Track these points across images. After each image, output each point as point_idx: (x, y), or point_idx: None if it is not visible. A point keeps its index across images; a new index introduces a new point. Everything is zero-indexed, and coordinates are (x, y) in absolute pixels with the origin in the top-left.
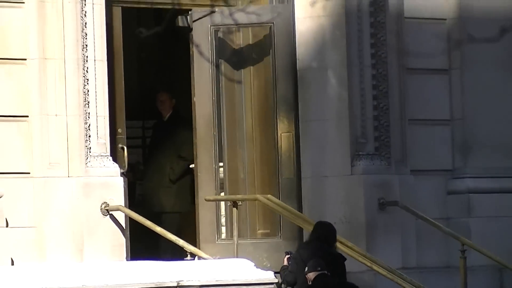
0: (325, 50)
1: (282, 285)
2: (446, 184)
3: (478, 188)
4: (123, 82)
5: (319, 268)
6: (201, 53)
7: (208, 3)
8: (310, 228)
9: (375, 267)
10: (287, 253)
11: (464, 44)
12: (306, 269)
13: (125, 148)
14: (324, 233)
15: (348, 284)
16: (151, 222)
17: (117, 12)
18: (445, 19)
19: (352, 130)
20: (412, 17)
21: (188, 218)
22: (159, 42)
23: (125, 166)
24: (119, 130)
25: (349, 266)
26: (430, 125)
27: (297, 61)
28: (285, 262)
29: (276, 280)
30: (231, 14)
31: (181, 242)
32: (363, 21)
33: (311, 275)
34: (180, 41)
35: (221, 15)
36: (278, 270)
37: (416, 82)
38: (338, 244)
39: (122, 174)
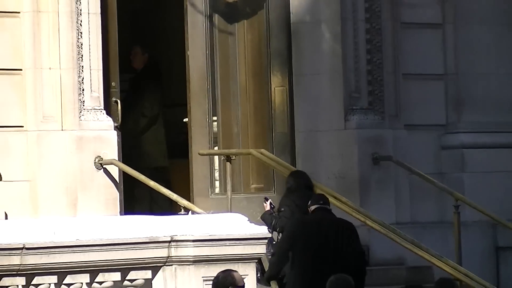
0: (318, 3)
1: (273, 230)
2: (440, 139)
3: (472, 143)
4: (116, 35)
5: (321, 202)
6: (194, 6)
7: None
8: None
9: (368, 222)
10: (266, 199)
11: None
12: (309, 202)
13: (119, 101)
14: (307, 180)
15: (344, 221)
16: (145, 177)
17: None
18: None
19: (346, 84)
20: None
21: (181, 172)
22: None
23: (118, 119)
24: (113, 84)
25: None
26: (424, 80)
27: (291, 14)
28: (267, 207)
29: (269, 235)
30: None
31: (174, 196)
32: None
33: (312, 208)
34: None
35: None
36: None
37: (410, 36)
38: (331, 199)
39: (115, 127)
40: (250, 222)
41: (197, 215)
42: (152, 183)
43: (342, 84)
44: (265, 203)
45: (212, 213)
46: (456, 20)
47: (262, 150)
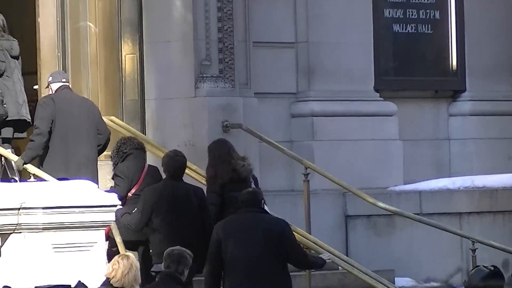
0: None
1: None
2: (290, 108)
3: (322, 111)
4: None
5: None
6: None
7: None
8: (154, 151)
9: None
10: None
11: None
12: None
13: None
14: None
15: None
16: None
17: None
18: None
19: (197, 52)
20: None
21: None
22: None
23: None
24: None
25: None
26: (275, 48)
27: None
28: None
29: (119, 203)
30: None
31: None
32: None
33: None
34: None
35: None
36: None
37: (261, 4)
38: None
39: None
40: (100, 189)
41: (46, 182)
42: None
43: (192, 52)
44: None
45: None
46: None
47: (112, 117)
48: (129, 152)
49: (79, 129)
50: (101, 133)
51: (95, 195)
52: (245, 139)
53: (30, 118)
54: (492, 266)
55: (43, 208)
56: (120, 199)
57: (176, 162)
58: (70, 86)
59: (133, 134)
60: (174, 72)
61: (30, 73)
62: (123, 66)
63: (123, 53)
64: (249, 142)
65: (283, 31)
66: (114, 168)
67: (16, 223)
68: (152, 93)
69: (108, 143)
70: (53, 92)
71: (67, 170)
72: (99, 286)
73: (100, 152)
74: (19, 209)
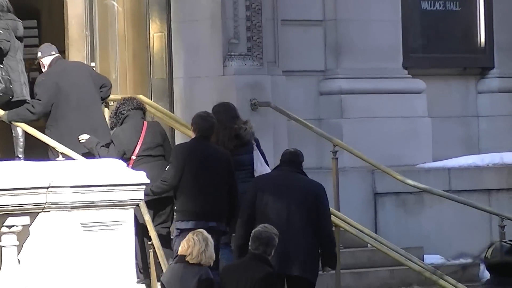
0: None
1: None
2: (319, 85)
3: (350, 89)
4: None
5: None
6: None
7: None
8: (182, 129)
9: None
10: None
11: None
12: None
13: None
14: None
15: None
16: (23, 124)
17: None
18: None
19: (225, 30)
20: None
21: None
22: None
23: None
24: None
25: None
26: (303, 26)
27: None
28: None
29: (148, 181)
30: None
31: (52, 142)
32: None
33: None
34: None
35: None
36: None
37: None
38: None
39: None
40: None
41: (75, 160)
42: (30, 129)
43: (220, 30)
44: None
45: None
46: None
47: (140, 96)
48: (127, 114)
49: (87, 95)
50: (106, 86)
51: (123, 173)
52: (274, 117)
53: (30, 99)
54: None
55: (72, 186)
56: None
57: (207, 122)
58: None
59: (161, 112)
60: (202, 51)
61: (59, 52)
62: (151, 45)
63: (151, 32)
64: (277, 120)
65: (311, 9)
66: (112, 130)
67: (45, 202)
68: (180, 71)
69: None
70: (47, 66)
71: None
72: (172, 262)
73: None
74: (47, 187)
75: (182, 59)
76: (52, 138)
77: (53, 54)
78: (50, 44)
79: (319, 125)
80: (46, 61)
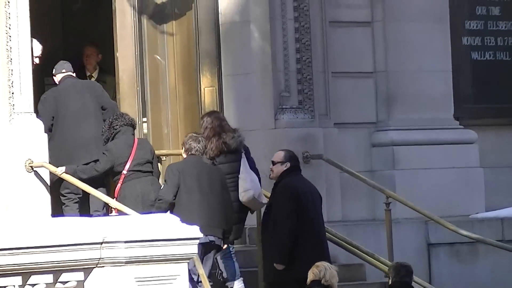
0: (247, 3)
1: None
2: (370, 137)
3: (402, 140)
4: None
5: None
6: (122, 7)
7: None
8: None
9: None
10: None
11: None
12: None
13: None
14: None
15: None
16: (76, 179)
17: None
18: None
19: (275, 83)
20: None
21: None
22: None
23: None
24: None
25: None
26: (354, 78)
27: (220, 15)
28: None
29: (201, 235)
30: None
31: (105, 198)
32: None
33: None
34: None
35: None
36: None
37: (339, 34)
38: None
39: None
40: (182, 222)
41: (128, 216)
42: (83, 185)
43: (271, 83)
44: None
45: (144, 213)
46: (385, 17)
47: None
48: (119, 129)
49: (82, 110)
50: (105, 108)
51: (176, 228)
52: (326, 169)
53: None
54: None
55: (125, 242)
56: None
57: (199, 143)
58: (72, 74)
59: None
60: (253, 104)
61: None
62: (202, 99)
63: (202, 86)
64: (330, 172)
65: (362, 60)
66: (104, 143)
67: (99, 257)
68: (232, 125)
69: None
70: (58, 83)
71: (75, 150)
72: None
73: None
74: (101, 243)
75: (233, 112)
76: (50, 150)
77: (63, 72)
78: (64, 61)
79: (372, 176)
80: (57, 78)
